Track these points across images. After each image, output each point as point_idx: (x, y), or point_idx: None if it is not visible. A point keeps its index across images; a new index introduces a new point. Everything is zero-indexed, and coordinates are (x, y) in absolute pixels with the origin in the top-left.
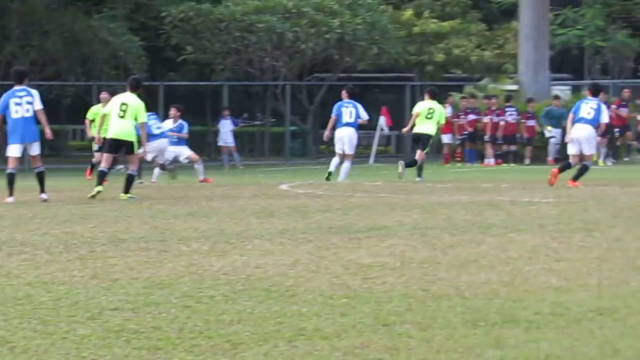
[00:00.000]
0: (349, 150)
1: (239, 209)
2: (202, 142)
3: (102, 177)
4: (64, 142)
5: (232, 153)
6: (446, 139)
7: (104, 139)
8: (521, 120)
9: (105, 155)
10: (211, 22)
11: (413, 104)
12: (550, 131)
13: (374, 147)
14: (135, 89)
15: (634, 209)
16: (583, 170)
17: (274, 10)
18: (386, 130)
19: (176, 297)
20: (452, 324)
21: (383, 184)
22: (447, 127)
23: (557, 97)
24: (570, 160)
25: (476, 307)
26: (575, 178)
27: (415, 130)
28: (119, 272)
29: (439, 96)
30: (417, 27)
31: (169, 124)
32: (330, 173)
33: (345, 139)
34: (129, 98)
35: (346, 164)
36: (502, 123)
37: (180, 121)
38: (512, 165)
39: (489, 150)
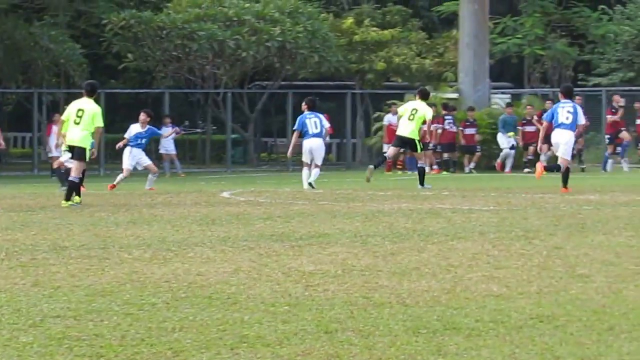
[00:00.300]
0: (319, 162)
1: (180, 217)
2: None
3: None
4: (5, 149)
5: (173, 160)
6: (386, 147)
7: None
8: (459, 128)
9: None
10: (152, 29)
11: (354, 112)
12: (512, 137)
13: None
14: (91, 94)
15: (574, 216)
16: (566, 174)
17: (215, 18)
18: (327, 139)
19: (118, 304)
20: (394, 332)
21: (324, 192)
22: (391, 135)
23: (509, 105)
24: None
25: (417, 315)
26: (565, 184)
27: (398, 132)
28: (60, 279)
29: (381, 104)
30: (357, 36)
31: (137, 128)
32: (310, 184)
33: (315, 151)
34: (85, 104)
35: (316, 170)
36: (439, 131)
37: (148, 126)
38: (450, 172)
39: (432, 158)
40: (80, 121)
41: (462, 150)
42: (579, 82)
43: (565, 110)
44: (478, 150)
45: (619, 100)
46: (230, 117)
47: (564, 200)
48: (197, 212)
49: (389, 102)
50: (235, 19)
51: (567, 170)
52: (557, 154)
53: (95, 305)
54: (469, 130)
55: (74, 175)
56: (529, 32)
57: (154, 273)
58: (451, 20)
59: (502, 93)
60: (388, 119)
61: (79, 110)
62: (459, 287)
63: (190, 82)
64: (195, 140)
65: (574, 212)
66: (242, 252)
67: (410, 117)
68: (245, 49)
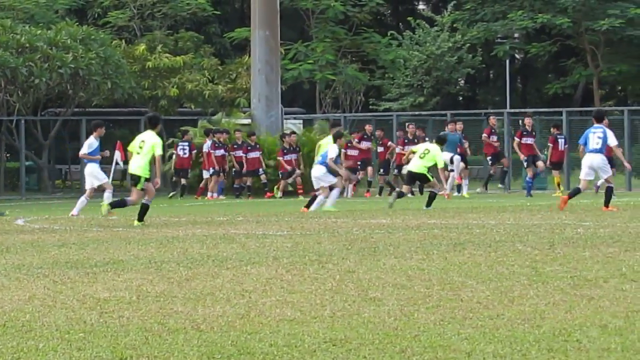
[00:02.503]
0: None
1: None
2: None
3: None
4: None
5: None
6: (206, 173)
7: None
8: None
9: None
10: None
11: None
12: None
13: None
14: (154, 126)
15: (366, 240)
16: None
17: (6, 45)
18: (121, 165)
19: None
20: (188, 357)
21: (118, 218)
22: (209, 161)
23: (452, 122)
24: (580, 186)
25: (212, 340)
26: (606, 203)
27: (410, 168)
28: None
29: (175, 130)
30: (150, 62)
31: None
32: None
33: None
34: (146, 135)
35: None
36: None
37: None
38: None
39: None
40: (140, 151)
41: (247, 175)
42: (371, 107)
43: (596, 135)
44: (261, 173)
45: (529, 123)
46: (24, 145)
47: (357, 224)
48: None
49: (182, 128)
50: (27, 45)
51: (611, 189)
52: (584, 177)
53: None
54: (253, 154)
55: (147, 199)
56: (320, 58)
57: None
58: (243, 47)
59: (295, 118)
60: (207, 146)
61: (141, 141)
62: (253, 312)
63: None
64: None
65: (367, 236)
66: (36, 280)
67: (421, 155)
68: (38, 75)
